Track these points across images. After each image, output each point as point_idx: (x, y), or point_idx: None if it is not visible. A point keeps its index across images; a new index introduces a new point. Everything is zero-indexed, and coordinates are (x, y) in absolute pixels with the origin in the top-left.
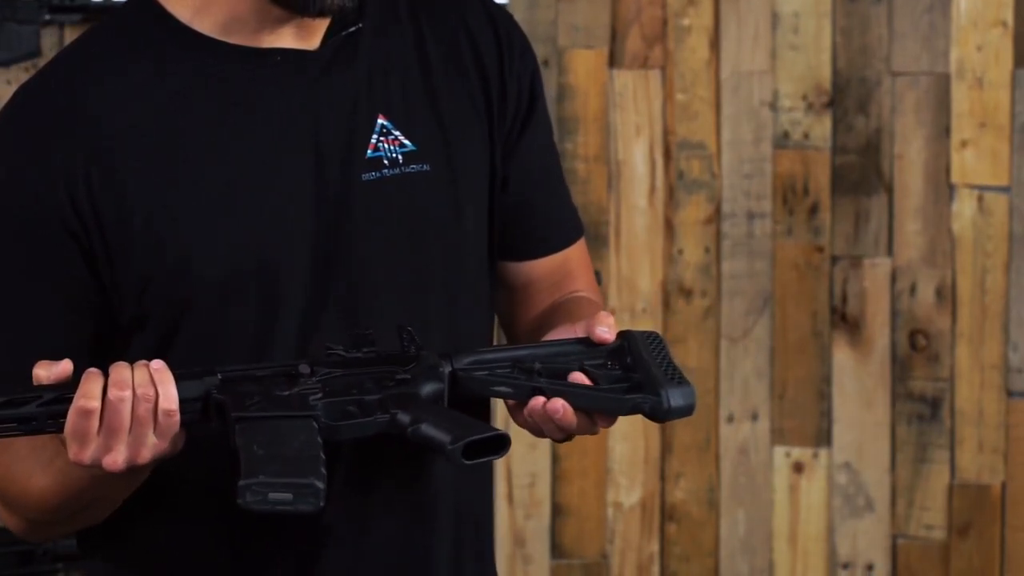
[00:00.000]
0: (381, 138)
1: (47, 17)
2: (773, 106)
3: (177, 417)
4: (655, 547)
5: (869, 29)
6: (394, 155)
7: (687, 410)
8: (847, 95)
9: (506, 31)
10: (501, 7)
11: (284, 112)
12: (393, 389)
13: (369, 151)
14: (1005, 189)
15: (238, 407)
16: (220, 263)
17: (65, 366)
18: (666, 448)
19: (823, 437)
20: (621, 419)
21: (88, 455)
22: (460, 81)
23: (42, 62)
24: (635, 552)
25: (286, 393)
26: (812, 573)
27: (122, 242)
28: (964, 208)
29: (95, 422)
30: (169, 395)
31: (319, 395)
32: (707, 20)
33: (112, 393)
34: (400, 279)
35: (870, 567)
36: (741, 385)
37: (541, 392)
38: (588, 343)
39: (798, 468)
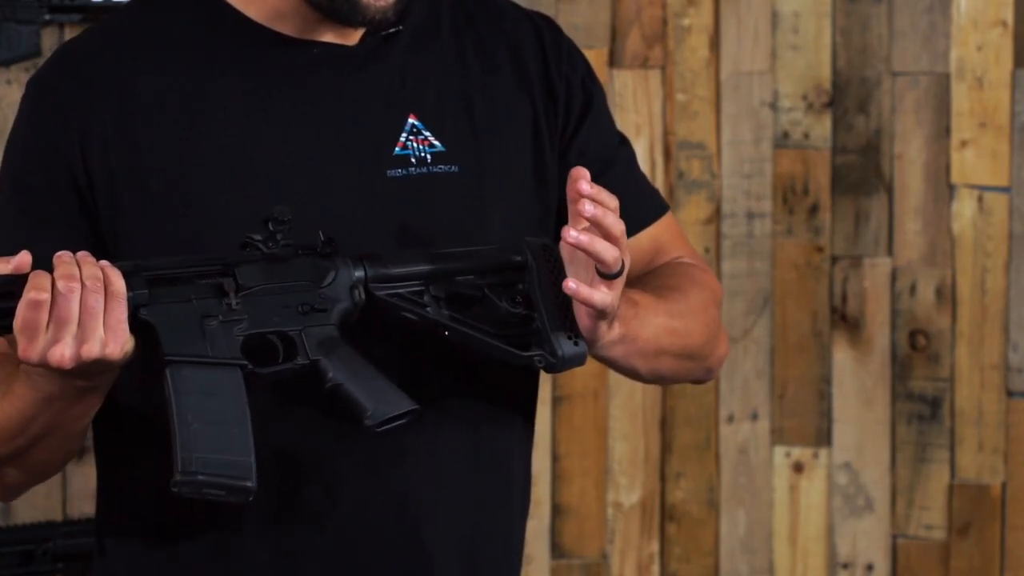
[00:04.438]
0: (411, 137)
1: (47, 17)
2: (773, 106)
3: (125, 306)
4: (655, 547)
5: (869, 29)
6: (422, 154)
7: (578, 363)
8: (847, 95)
9: (552, 39)
10: (546, 17)
11: (315, 101)
12: (312, 322)
13: (397, 148)
14: (1005, 189)
15: (170, 342)
16: (228, 239)
17: (24, 257)
18: (666, 448)
19: (823, 437)
20: (621, 420)
21: (37, 349)
22: (500, 90)
23: (42, 62)
24: (635, 552)
25: (214, 323)
26: (812, 573)
27: (134, 206)
28: (964, 208)
29: (45, 314)
30: (118, 287)
31: (243, 323)
32: (707, 20)
33: (61, 284)
34: None
35: (870, 567)
36: (741, 385)
37: (444, 329)
38: (500, 255)
39: (798, 468)
